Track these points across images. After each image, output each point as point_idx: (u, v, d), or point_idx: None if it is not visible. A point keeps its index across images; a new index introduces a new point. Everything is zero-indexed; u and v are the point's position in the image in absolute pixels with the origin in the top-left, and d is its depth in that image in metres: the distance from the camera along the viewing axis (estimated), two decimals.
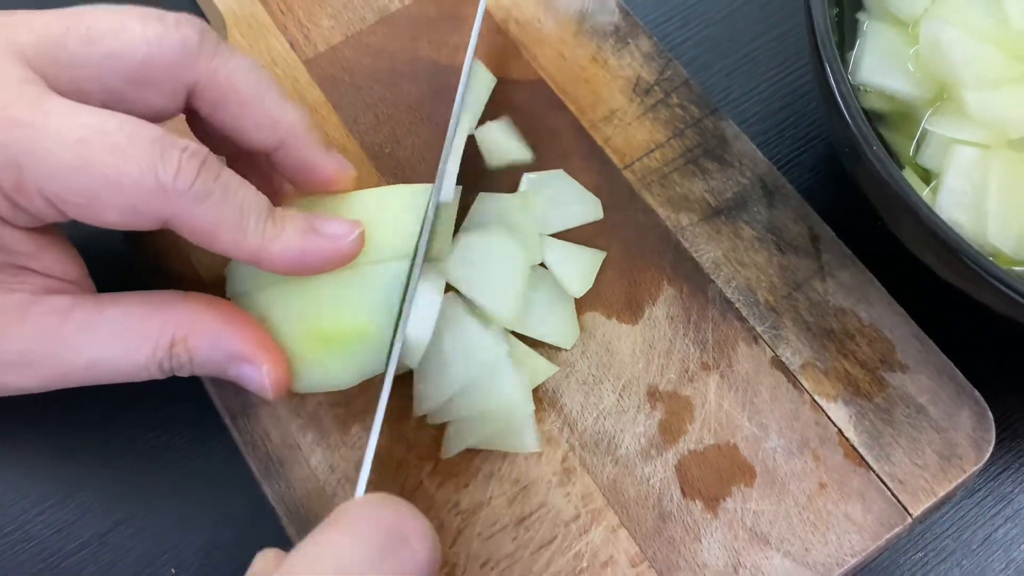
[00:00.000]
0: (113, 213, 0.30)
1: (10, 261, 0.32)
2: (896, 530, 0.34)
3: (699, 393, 0.36)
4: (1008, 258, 0.34)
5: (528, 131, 0.41)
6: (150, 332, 0.32)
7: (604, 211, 0.39)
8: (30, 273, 0.32)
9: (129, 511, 0.37)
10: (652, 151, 0.40)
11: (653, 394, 0.36)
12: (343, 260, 0.33)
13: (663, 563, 0.34)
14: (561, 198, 0.39)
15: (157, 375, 0.33)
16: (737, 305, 0.37)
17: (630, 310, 0.37)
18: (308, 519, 0.34)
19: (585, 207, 0.39)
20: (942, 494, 0.34)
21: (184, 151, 0.30)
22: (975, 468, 0.34)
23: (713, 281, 0.38)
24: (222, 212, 0.31)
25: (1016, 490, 0.38)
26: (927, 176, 0.36)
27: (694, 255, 0.38)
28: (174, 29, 0.32)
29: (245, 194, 0.31)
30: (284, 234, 0.32)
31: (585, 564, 0.34)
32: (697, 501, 0.34)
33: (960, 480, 0.34)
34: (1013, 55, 0.36)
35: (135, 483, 0.38)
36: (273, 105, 0.34)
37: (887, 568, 0.37)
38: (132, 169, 0.30)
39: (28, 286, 0.32)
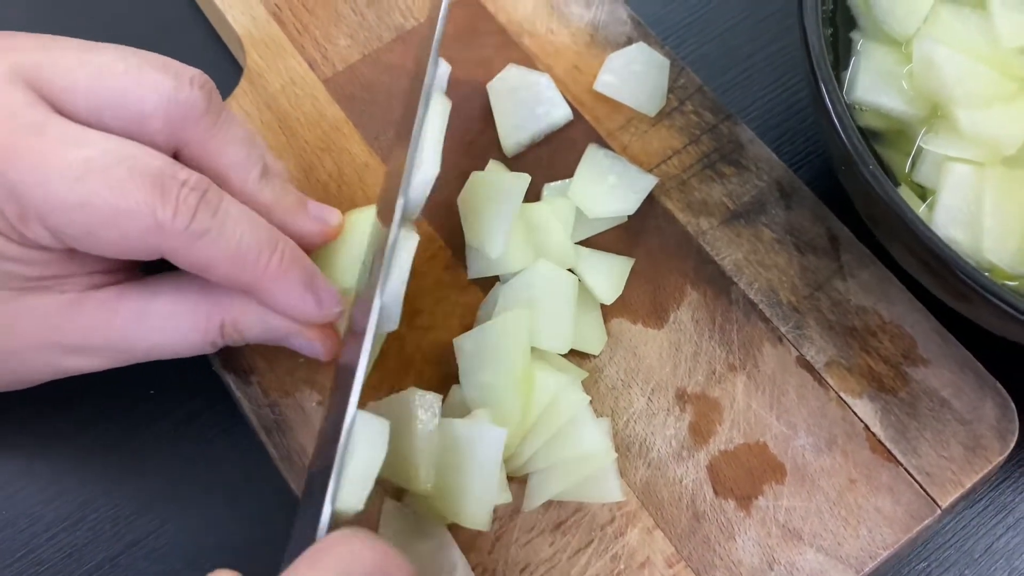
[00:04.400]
0: (111, 248, 0.31)
1: (48, 272, 0.33)
2: (926, 522, 0.34)
3: (727, 394, 0.37)
4: (1004, 272, 0.34)
5: (546, 141, 0.41)
6: (199, 319, 0.34)
7: (626, 218, 0.40)
8: (72, 275, 0.33)
9: (139, 534, 0.38)
10: (669, 157, 0.41)
11: (682, 396, 0.37)
12: (317, 322, 0.34)
13: (699, 562, 0.34)
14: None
15: (211, 351, 0.35)
16: (760, 306, 0.38)
17: (655, 315, 0.38)
18: None
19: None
20: (969, 485, 0.35)
21: (183, 185, 0.31)
22: (1000, 458, 0.35)
23: (736, 283, 0.38)
24: (218, 248, 0.31)
25: (1017, 499, 0.39)
26: (923, 193, 0.36)
27: (716, 259, 0.39)
28: (187, 88, 0.32)
29: (244, 230, 0.32)
30: (287, 277, 0.33)
31: (623, 566, 0.34)
32: (730, 500, 0.35)
33: (986, 471, 0.35)
34: (1004, 73, 0.36)
35: (145, 506, 0.38)
36: (252, 183, 0.34)
37: None
38: (130, 207, 0.30)
39: (74, 285, 0.33)
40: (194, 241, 0.31)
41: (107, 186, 0.30)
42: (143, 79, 0.32)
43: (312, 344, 0.35)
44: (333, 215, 0.36)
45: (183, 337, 0.34)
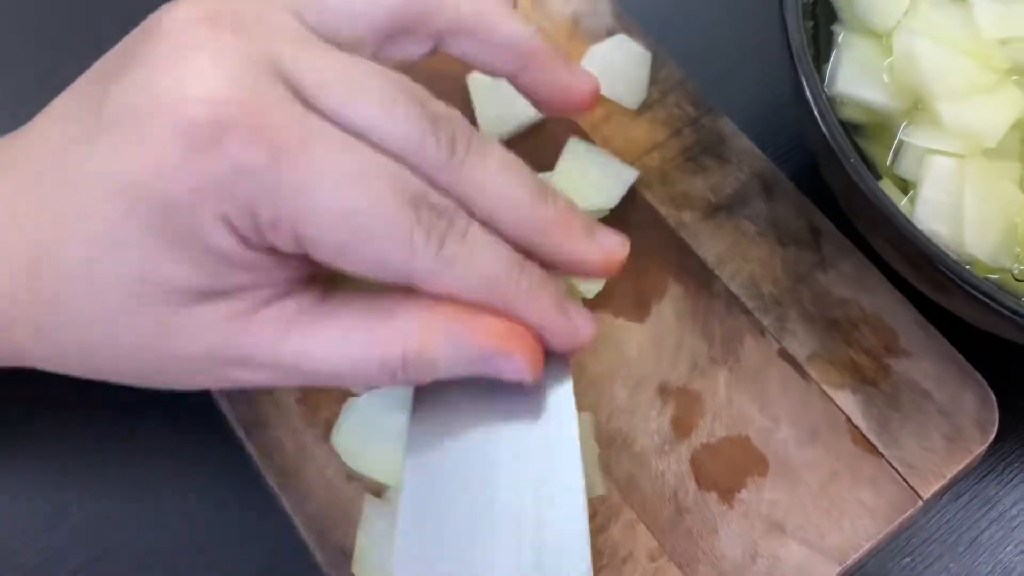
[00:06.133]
0: (362, 266, 0.29)
1: (242, 281, 0.30)
2: (908, 513, 0.34)
3: (709, 387, 0.36)
4: (985, 266, 0.34)
5: (526, 134, 0.41)
6: (373, 348, 0.30)
7: (607, 211, 0.40)
8: (258, 287, 0.30)
9: (122, 538, 0.37)
10: (651, 150, 0.41)
11: (664, 390, 0.37)
12: (579, 347, 0.32)
13: (682, 556, 0.34)
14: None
15: (395, 384, 0.32)
16: (742, 299, 0.38)
17: (637, 308, 0.38)
18: (326, 530, 0.35)
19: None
20: (950, 476, 0.35)
21: (433, 209, 0.29)
22: (981, 449, 0.35)
23: (717, 277, 0.38)
24: (467, 275, 0.30)
25: (1000, 493, 0.39)
26: (905, 186, 0.36)
27: (697, 251, 0.39)
28: (431, 136, 0.30)
29: (493, 257, 0.30)
30: (539, 300, 0.31)
31: (605, 561, 0.34)
32: (712, 493, 0.35)
33: (967, 461, 0.35)
34: (985, 65, 0.36)
35: (126, 508, 0.38)
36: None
37: (875, 574, 0.37)
38: (389, 224, 0.28)
39: (253, 297, 0.30)
40: (444, 268, 0.29)
41: (368, 198, 0.28)
42: (395, 112, 0.30)
43: (517, 363, 0.31)
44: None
45: (353, 364, 0.31)
